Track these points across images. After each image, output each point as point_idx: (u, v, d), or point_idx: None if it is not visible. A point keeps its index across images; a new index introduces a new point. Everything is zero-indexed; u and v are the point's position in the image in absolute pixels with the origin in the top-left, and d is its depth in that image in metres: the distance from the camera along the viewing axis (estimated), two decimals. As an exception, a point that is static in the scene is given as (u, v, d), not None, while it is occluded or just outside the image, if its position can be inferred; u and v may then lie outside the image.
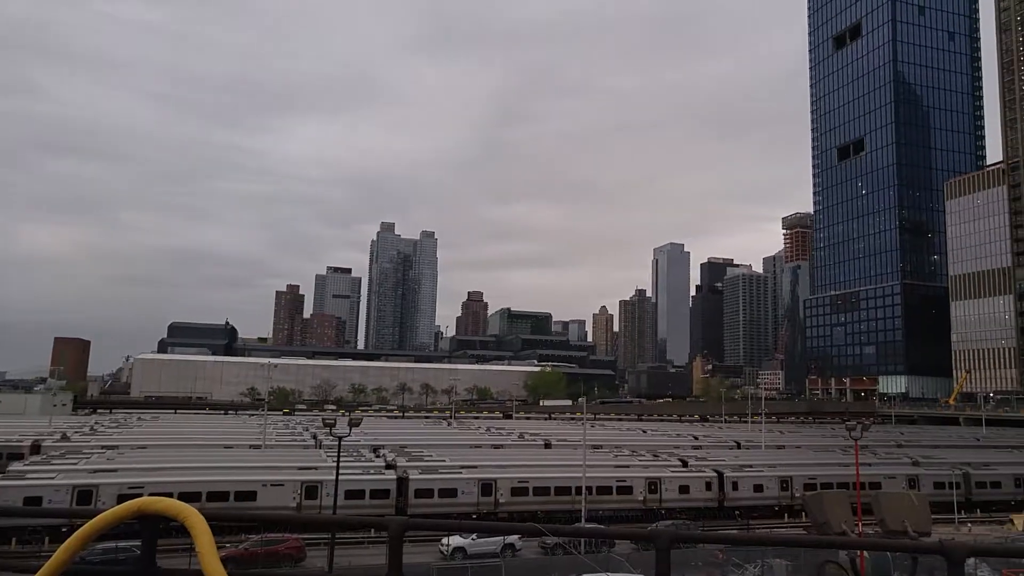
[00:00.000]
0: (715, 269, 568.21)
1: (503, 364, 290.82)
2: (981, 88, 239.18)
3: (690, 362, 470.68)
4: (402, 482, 57.91)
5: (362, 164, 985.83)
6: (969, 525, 61.85)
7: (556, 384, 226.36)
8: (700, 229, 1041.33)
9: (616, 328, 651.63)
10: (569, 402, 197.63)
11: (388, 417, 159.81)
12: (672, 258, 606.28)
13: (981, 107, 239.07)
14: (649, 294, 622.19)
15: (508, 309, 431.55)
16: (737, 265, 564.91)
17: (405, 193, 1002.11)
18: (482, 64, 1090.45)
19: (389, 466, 62.03)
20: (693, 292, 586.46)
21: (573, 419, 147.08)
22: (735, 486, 64.32)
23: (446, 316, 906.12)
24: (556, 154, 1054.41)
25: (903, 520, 19.89)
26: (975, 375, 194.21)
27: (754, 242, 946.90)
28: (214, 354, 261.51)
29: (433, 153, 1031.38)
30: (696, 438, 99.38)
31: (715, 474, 64.66)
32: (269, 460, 62.41)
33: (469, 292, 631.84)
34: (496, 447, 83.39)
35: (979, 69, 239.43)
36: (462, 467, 62.01)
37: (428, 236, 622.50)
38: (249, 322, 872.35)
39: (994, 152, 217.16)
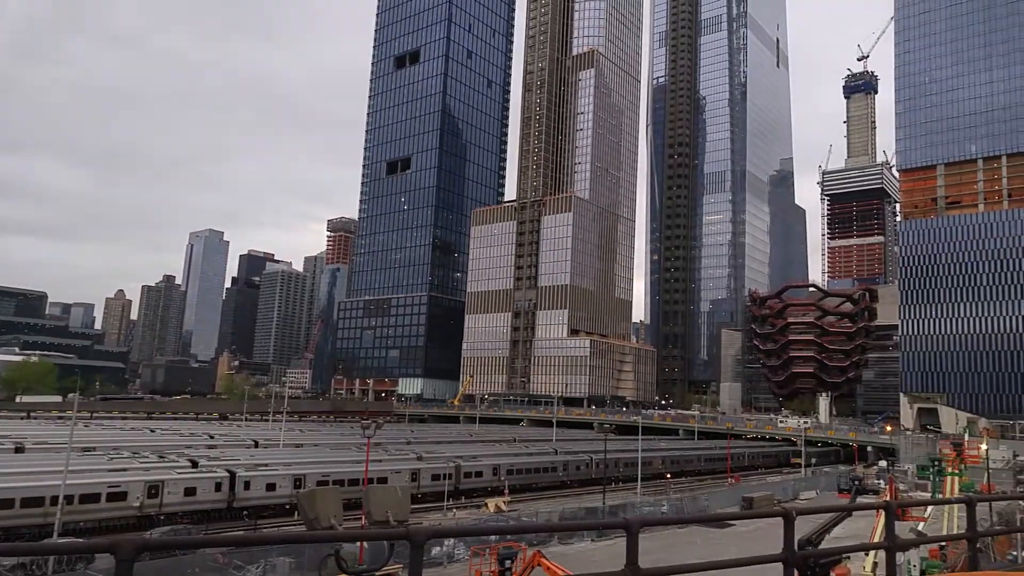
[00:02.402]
0: (255, 262, 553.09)
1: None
2: (507, 134, 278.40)
3: (216, 357, 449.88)
4: None
5: None
6: (455, 511, 68.22)
7: (44, 377, 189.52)
8: (244, 219, 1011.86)
9: (135, 316, 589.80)
10: (59, 398, 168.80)
11: None
12: (210, 246, 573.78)
13: (506, 150, 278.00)
14: (179, 281, 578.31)
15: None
16: (278, 261, 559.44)
17: None
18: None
19: None
20: (229, 284, 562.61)
21: (63, 418, 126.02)
22: (247, 486, 61.28)
23: None
24: (86, 108, 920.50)
25: (387, 511, 20.62)
26: (477, 379, 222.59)
27: (299, 240, 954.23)
28: None
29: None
30: (212, 437, 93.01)
31: (227, 474, 60.56)
32: None
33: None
34: (-60, 452, 65.87)
35: (508, 118, 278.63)
36: None
37: None
38: None
39: (511, 191, 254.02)
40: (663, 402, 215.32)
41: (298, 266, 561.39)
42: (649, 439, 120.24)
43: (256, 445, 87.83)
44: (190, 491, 57.78)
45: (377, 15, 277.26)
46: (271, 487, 62.92)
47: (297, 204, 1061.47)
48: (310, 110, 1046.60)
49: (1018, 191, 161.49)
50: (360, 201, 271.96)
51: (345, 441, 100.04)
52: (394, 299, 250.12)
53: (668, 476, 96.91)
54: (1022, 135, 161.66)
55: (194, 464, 63.02)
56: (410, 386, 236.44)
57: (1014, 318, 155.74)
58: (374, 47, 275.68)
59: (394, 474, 70.24)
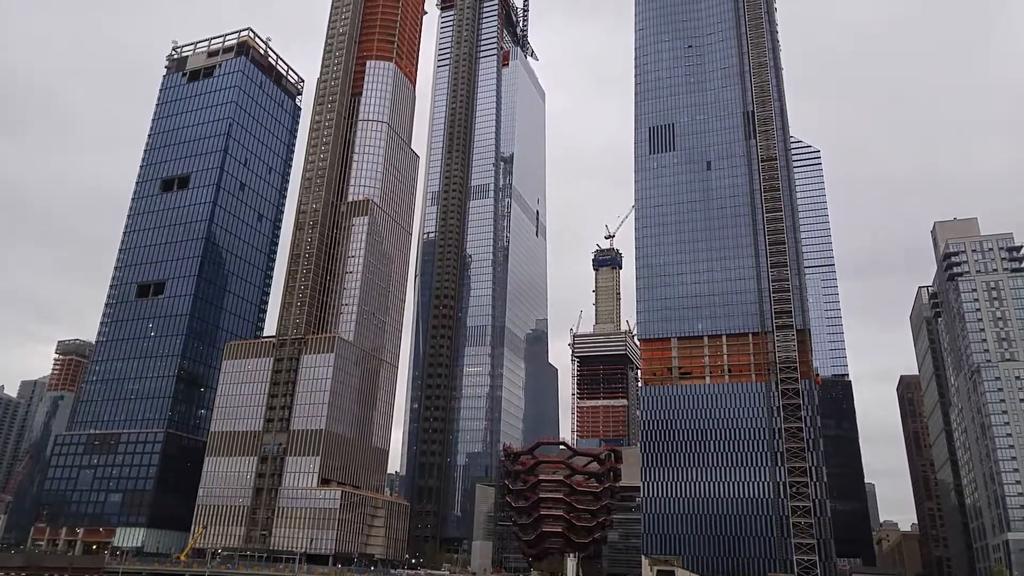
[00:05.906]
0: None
1: None
2: (273, 268, 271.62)
3: None
4: None
5: None
6: None
7: None
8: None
9: None
10: None
11: None
12: None
13: (270, 285, 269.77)
14: None
15: None
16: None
17: None
18: None
19: None
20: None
21: None
22: None
23: None
24: None
25: None
26: (211, 530, 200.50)
27: (17, 362, 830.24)
28: None
29: None
30: None
31: None
32: None
33: None
34: None
35: (275, 252, 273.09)
36: None
37: None
38: None
39: (271, 327, 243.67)
40: (413, 560, 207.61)
41: (12, 391, 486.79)
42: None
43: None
44: None
45: (149, 136, 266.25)
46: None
47: (21, 321, 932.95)
48: (50, 221, 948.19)
49: (736, 367, 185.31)
50: (101, 323, 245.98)
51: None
52: (124, 435, 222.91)
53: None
54: (737, 319, 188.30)
55: None
56: (130, 537, 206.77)
57: (735, 484, 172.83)
58: (141, 166, 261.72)
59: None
